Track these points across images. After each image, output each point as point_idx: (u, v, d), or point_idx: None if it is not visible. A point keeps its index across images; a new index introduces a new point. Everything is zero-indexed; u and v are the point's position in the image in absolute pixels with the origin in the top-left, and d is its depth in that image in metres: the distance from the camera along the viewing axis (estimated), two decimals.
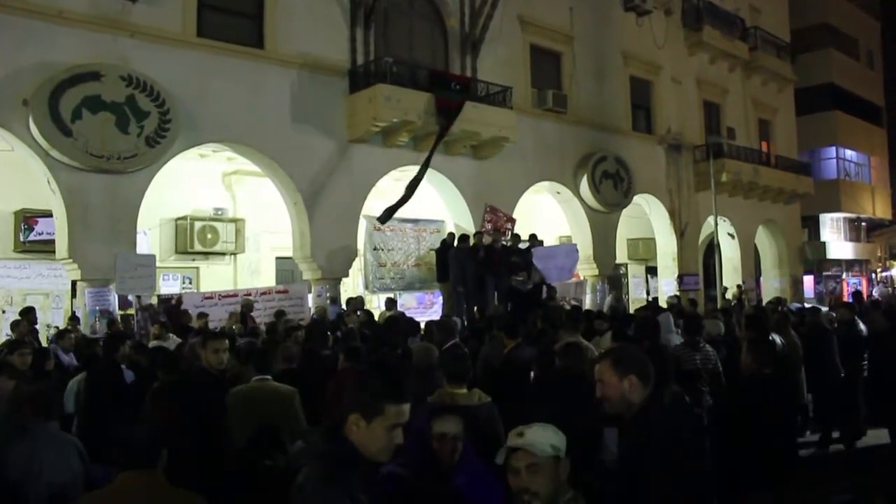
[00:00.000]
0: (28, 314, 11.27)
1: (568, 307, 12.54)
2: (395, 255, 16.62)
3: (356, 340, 8.08)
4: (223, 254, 17.19)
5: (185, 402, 5.21)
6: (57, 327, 12.55)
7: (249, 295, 13.55)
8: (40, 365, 7.42)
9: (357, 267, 15.86)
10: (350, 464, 2.55)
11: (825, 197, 31.11)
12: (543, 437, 2.75)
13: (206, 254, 16.86)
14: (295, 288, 14.63)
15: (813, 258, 31.74)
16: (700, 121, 24.41)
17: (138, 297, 12.19)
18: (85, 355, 9.03)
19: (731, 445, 6.68)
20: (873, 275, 37.64)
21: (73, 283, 12.90)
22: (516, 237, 15.82)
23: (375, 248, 16.19)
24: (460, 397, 4.62)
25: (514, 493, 2.73)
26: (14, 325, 10.88)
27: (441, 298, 15.92)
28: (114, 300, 12.18)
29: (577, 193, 19.45)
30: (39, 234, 14.46)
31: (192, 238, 16.39)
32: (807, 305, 18.00)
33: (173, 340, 9.57)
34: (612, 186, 19.88)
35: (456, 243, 14.54)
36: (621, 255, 22.46)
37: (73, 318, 12.06)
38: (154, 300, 12.75)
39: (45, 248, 13.93)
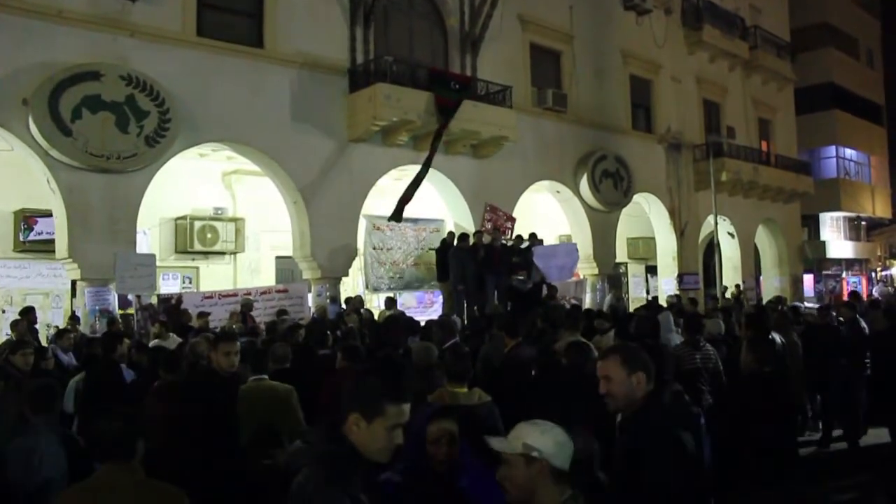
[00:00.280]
0: (28, 314, 11.28)
1: (568, 306, 12.55)
2: (395, 254, 16.62)
3: (355, 340, 8.08)
4: (223, 253, 17.19)
5: (188, 401, 5.19)
6: (57, 327, 12.55)
7: (249, 294, 13.54)
8: (38, 364, 7.43)
9: (357, 266, 15.86)
10: (350, 464, 2.54)
11: (825, 196, 31.12)
12: (519, 434, 2.73)
13: (206, 253, 16.86)
14: (295, 287, 14.63)
15: (813, 257, 31.74)
16: (700, 120, 24.41)
17: (138, 297, 12.19)
18: (84, 355, 9.05)
19: (732, 444, 6.69)
20: (873, 274, 37.67)
21: (73, 283, 12.90)
22: (519, 238, 15.78)
23: (375, 248, 16.18)
24: (461, 396, 4.62)
25: None
26: (14, 325, 10.89)
27: (441, 298, 15.92)
28: (114, 300, 12.17)
29: (576, 192, 19.44)
30: (39, 233, 14.46)
31: (192, 237, 16.38)
32: (807, 305, 18.02)
33: (173, 340, 9.58)
34: (612, 185, 19.88)
35: (456, 242, 14.54)
36: (621, 255, 22.47)
37: (73, 318, 12.06)
38: (154, 300, 12.75)
39: (44, 247, 13.93)
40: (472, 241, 14.41)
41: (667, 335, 8.23)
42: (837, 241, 34.76)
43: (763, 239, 27.78)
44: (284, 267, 17.31)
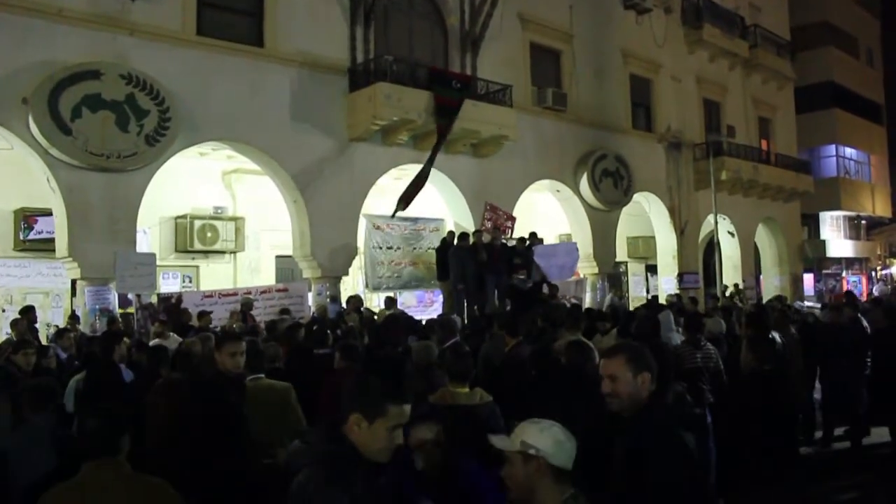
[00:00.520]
0: (28, 313, 11.29)
1: (568, 305, 12.54)
2: (394, 253, 16.61)
3: (355, 339, 8.07)
4: (223, 252, 17.18)
5: (191, 400, 5.17)
6: (57, 326, 12.54)
7: (249, 293, 13.54)
8: (40, 363, 7.42)
9: (357, 265, 15.86)
10: (351, 464, 2.54)
11: (825, 195, 31.12)
12: (519, 432, 2.74)
13: (206, 252, 16.85)
14: (295, 286, 14.62)
15: (813, 256, 31.75)
16: (700, 119, 24.40)
17: (138, 296, 12.19)
18: (84, 354, 9.04)
19: (732, 443, 6.69)
20: (873, 273, 37.66)
21: (73, 282, 12.89)
22: (522, 240, 15.73)
23: (374, 247, 16.17)
24: (462, 396, 4.61)
25: None
26: (14, 324, 10.90)
27: (441, 297, 15.92)
28: (114, 299, 12.17)
29: (577, 192, 19.44)
30: (39, 232, 14.45)
31: (192, 236, 16.38)
32: (808, 304, 18.03)
33: (174, 339, 9.56)
34: (612, 185, 19.87)
35: (456, 242, 14.54)
36: (621, 254, 22.47)
37: (73, 317, 12.06)
38: (154, 299, 12.75)
39: (44, 246, 13.92)
40: (471, 240, 14.40)
41: (667, 334, 8.22)
42: (837, 240, 34.77)
43: (763, 238, 27.78)
44: (284, 266, 17.31)
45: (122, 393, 6.59)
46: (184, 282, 16.79)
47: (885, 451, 8.87)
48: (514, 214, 17.62)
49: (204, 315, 11.45)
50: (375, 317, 12.18)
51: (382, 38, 15.77)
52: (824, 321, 10.65)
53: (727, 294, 20.32)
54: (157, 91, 12.12)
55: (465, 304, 13.82)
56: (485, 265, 13.93)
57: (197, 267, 17.11)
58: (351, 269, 15.39)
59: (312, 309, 13.98)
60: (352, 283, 16.54)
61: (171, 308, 12.10)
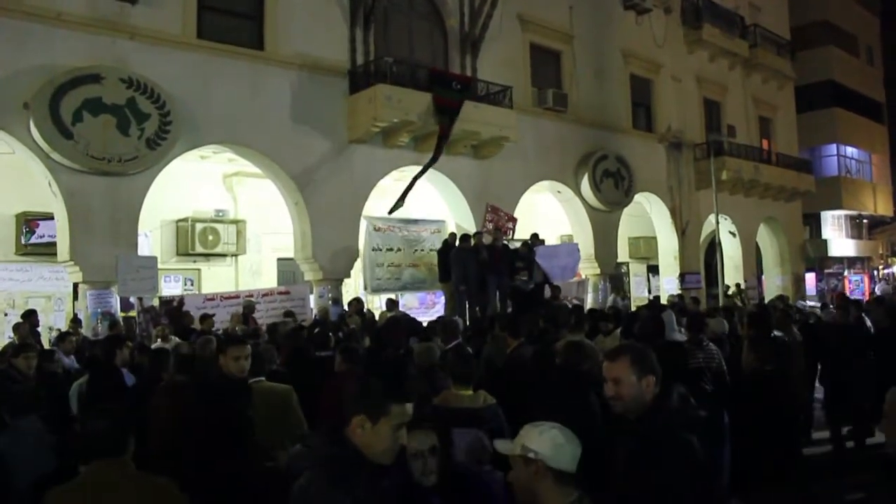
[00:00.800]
0: (30, 317, 11.29)
1: (570, 306, 12.53)
2: (395, 255, 16.59)
3: (357, 341, 8.06)
4: (224, 255, 17.19)
5: (194, 403, 5.17)
6: (59, 330, 12.53)
7: (251, 296, 13.52)
8: (44, 367, 7.43)
9: (359, 267, 15.85)
10: (353, 466, 2.54)
11: (826, 194, 31.07)
12: (521, 436, 2.75)
13: (208, 255, 16.86)
14: (297, 289, 14.62)
15: (814, 256, 31.72)
16: (700, 119, 24.39)
17: (140, 299, 12.19)
18: (86, 358, 9.04)
19: (734, 444, 6.67)
20: (875, 272, 37.60)
21: (75, 286, 12.88)
22: (525, 244, 15.68)
23: (374, 249, 16.12)
24: (466, 399, 4.59)
25: None
26: (16, 328, 10.91)
27: (443, 299, 15.91)
28: (115, 302, 12.17)
29: (577, 192, 19.43)
30: (41, 236, 14.46)
31: (194, 240, 16.38)
32: (810, 304, 18.00)
33: (175, 343, 9.55)
34: (612, 185, 19.86)
35: (457, 243, 14.52)
36: (623, 254, 22.46)
37: (75, 321, 12.05)
38: (156, 302, 12.74)
39: (46, 250, 13.93)
40: (472, 241, 14.39)
41: (670, 334, 8.20)
42: (839, 240, 34.71)
43: (764, 238, 27.75)
44: (286, 269, 17.31)
45: (125, 396, 6.59)
46: (185, 285, 16.79)
47: (889, 451, 8.83)
48: (516, 215, 17.61)
49: (206, 318, 11.46)
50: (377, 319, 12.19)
51: (382, 40, 15.78)
52: (827, 321, 10.62)
53: (728, 294, 20.31)
54: (157, 95, 12.12)
55: (467, 306, 13.81)
56: (486, 266, 13.92)
57: (198, 270, 17.11)
58: (353, 272, 15.38)
59: (314, 311, 13.98)
60: (354, 286, 16.54)
61: (173, 311, 12.11)
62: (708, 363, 7.21)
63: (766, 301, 18.38)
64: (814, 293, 29.69)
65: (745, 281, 23.84)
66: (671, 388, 3.25)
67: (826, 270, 33.65)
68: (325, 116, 14.53)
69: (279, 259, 17.51)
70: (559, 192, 19.52)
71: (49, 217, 13.03)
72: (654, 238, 23.36)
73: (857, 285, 34.90)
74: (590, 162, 19.33)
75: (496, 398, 4.81)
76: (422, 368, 5.96)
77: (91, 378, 7.20)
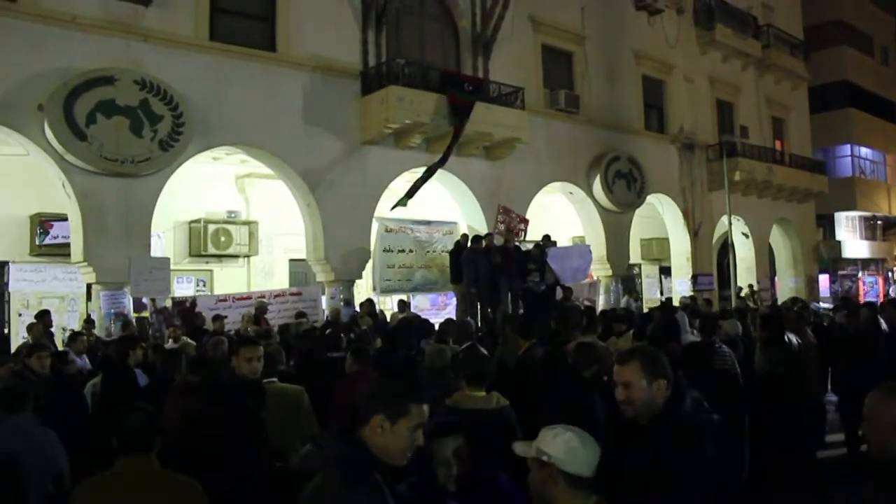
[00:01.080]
0: (43, 317, 11.35)
1: (582, 308, 12.49)
2: (407, 256, 16.59)
3: (368, 343, 8.07)
4: (237, 256, 17.24)
5: (208, 403, 5.17)
6: (72, 330, 12.60)
7: (263, 297, 13.55)
8: (58, 368, 7.47)
9: (370, 269, 15.86)
10: (367, 466, 2.54)
11: (840, 195, 30.83)
12: (539, 440, 2.74)
13: (220, 256, 16.91)
14: (309, 290, 14.65)
15: (828, 257, 31.48)
16: (713, 120, 24.28)
17: (153, 300, 12.25)
18: (100, 358, 9.09)
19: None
20: (890, 273, 37.29)
21: (88, 287, 12.96)
22: (537, 246, 15.64)
23: (386, 250, 16.10)
24: (479, 400, 4.57)
25: None
26: (30, 328, 10.98)
27: (454, 300, 15.90)
28: (128, 303, 12.24)
29: (590, 194, 19.39)
30: (55, 237, 14.55)
31: (206, 241, 16.44)
32: (823, 305, 17.86)
33: (184, 343, 9.58)
34: (625, 186, 19.81)
35: (469, 244, 14.51)
36: (635, 256, 22.39)
37: (89, 321, 12.11)
38: (168, 303, 12.80)
39: (60, 251, 14.02)
40: (484, 243, 14.38)
41: (682, 336, 8.17)
42: (853, 241, 34.46)
43: (777, 239, 27.59)
44: (298, 270, 17.35)
45: (138, 396, 6.61)
46: (198, 286, 16.85)
47: (871, 453, 8.69)
48: (527, 217, 17.59)
49: (218, 319, 11.49)
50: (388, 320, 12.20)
51: (394, 42, 15.80)
52: (840, 323, 10.51)
53: (741, 295, 20.21)
54: (170, 96, 12.18)
55: (479, 307, 13.80)
56: (499, 268, 13.90)
57: (211, 271, 17.17)
58: (364, 273, 15.40)
59: (326, 312, 14.00)
60: (366, 287, 16.55)
61: (186, 312, 12.16)
62: (721, 365, 7.18)
63: (780, 303, 18.25)
64: (827, 295, 29.46)
65: (758, 282, 23.72)
66: (684, 392, 3.22)
67: (840, 272, 33.41)
68: (337, 118, 14.56)
69: (291, 260, 17.55)
70: (571, 193, 19.48)
71: (63, 218, 13.11)
72: (667, 239, 23.27)
73: (871, 287, 34.63)
74: (602, 163, 19.28)
75: (508, 399, 4.79)
76: (433, 369, 5.95)
77: (104, 378, 7.24)
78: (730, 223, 21.09)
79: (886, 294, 30.63)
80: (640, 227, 22.15)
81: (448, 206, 17.56)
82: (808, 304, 16.24)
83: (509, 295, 14.14)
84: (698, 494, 2.87)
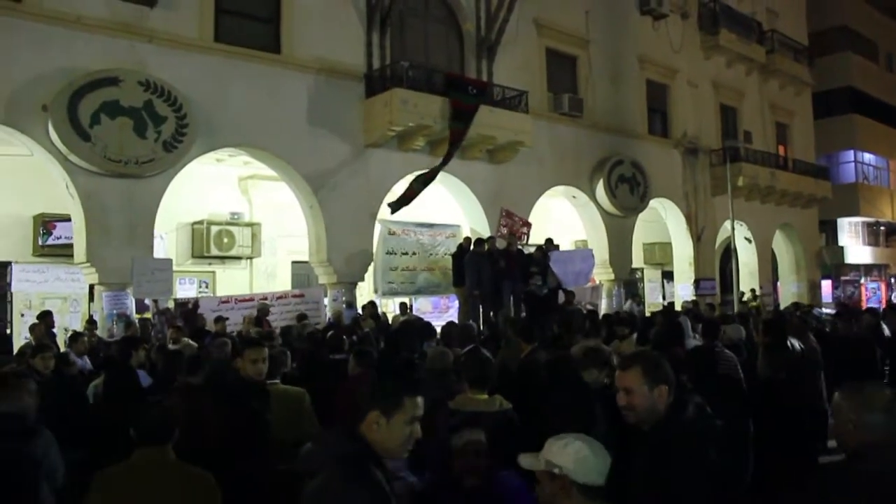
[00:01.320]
0: (46, 317, 11.34)
1: (584, 312, 12.48)
2: (409, 259, 16.58)
3: (370, 345, 8.06)
4: (239, 258, 17.25)
5: (210, 404, 5.17)
6: (75, 331, 12.61)
7: (265, 299, 13.55)
8: (60, 369, 7.47)
9: (373, 271, 15.86)
10: (368, 461, 2.55)
11: (843, 201, 30.82)
12: (546, 450, 2.71)
13: (223, 258, 16.92)
14: (311, 292, 14.66)
15: (831, 263, 31.46)
16: (716, 125, 24.27)
17: (155, 301, 12.25)
18: (102, 358, 9.08)
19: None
20: (892, 279, 37.24)
21: (91, 287, 12.98)
22: (540, 250, 15.62)
23: (389, 252, 16.09)
24: (482, 403, 4.57)
25: None
26: (32, 329, 10.97)
27: (457, 303, 15.88)
28: (131, 304, 12.25)
29: (593, 198, 19.38)
30: (58, 238, 14.56)
31: (209, 242, 16.45)
32: (825, 311, 17.82)
33: (184, 343, 9.57)
34: (628, 191, 19.80)
35: (472, 248, 14.49)
36: (637, 260, 22.40)
37: (91, 322, 12.12)
38: (171, 304, 12.81)
39: (63, 252, 14.02)
40: (486, 246, 14.36)
41: (686, 340, 8.15)
42: (856, 247, 34.43)
43: (780, 244, 27.56)
44: (300, 272, 17.36)
45: (141, 397, 6.60)
46: (200, 287, 16.86)
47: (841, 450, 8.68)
48: (530, 220, 17.57)
49: (220, 320, 11.49)
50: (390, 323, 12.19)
51: (398, 44, 15.82)
52: (841, 329, 10.49)
53: (743, 300, 20.19)
54: (174, 97, 12.20)
55: (481, 310, 13.78)
56: (502, 271, 13.89)
57: (213, 272, 17.18)
58: (367, 275, 15.40)
59: (328, 314, 14.00)
60: (368, 289, 16.54)
61: (188, 313, 12.16)
62: (724, 370, 7.16)
63: (782, 308, 18.23)
64: (830, 300, 29.42)
65: (761, 287, 23.69)
66: (686, 397, 3.21)
67: (842, 278, 33.37)
68: (341, 120, 14.57)
69: (294, 262, 17.56)
70: (574, 197, 19.48)
71: (66, 219, 13.13)
72: (669, 244, 23.26)
73: (874, 293, 34.57)
74: (605, 167, 19.28)
75: (510, 403, 4.79)
76: (434, 372, 5.94)
77: (107, 379, 7.23)
78: (732, 228, 21.06)
79: (889, 300, 30.57)
80: (642, 231, 22.14)
81: (451, 209, 17.55)
82: (811, 309, 16.22)
83: (512, 298, 14.12)
84: (700, 500, 2.86)
